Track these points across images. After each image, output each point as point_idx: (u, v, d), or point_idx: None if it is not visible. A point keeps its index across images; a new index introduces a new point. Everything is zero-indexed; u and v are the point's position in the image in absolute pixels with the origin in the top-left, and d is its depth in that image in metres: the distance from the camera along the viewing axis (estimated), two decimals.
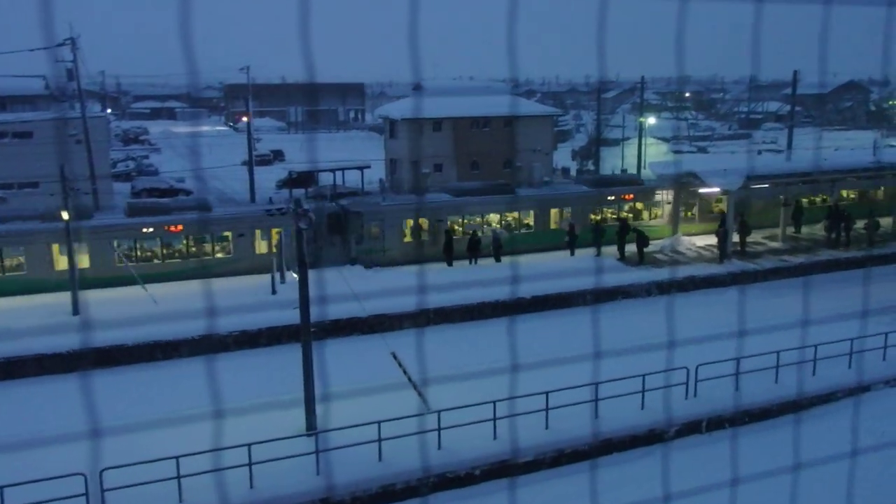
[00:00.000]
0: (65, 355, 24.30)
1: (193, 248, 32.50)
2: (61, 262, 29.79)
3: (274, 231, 32.74)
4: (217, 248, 33.12)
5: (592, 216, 37.69)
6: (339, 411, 18.10)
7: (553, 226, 37.71)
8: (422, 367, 20.03)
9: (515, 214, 37.64)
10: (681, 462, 18.63)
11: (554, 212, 37.98)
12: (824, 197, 42.31)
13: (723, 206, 38.42)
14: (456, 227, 35.92)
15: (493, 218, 37.14)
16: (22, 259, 30.32)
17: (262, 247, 33.33)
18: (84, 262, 30.13)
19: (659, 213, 39.27)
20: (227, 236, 33.10)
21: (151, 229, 31.79)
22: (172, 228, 31.94)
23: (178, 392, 22.01)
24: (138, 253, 31.78)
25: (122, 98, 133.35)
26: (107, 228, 31.16)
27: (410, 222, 36.00)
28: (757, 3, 3.74)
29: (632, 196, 38.25)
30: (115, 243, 31.09)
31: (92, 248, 30.61)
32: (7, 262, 30.16)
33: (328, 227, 33.38)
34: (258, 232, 33.25)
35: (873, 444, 18.56)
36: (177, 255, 32.34)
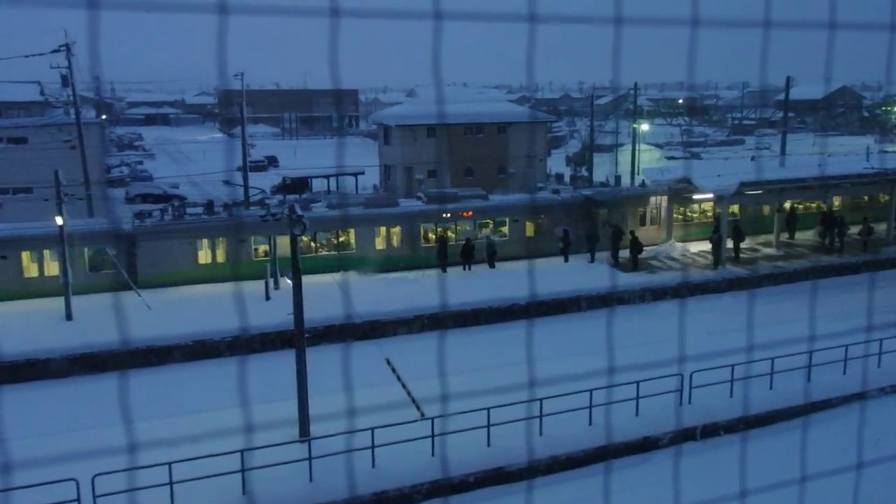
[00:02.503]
0: (58, 360, 24.31)
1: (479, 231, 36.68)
2: (379, 243, 34.79)
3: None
4: (494, 231, 36.81)
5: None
6: (334, 417, 18.05)
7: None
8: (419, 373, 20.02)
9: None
10: (675, 469, 18.60)
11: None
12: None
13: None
14: (678, 217, 39.36)
15: (702, 208, 40.35)
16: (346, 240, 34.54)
17: (530, 229, 37.31)
18: (394, 241, 35.07)
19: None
20: (503, 221, 36.78)
21: (449, 214, 35.21)
22: (465, 214, 34.92)
23: (174, 396, 22.00)
24: (433, 235, 35.73)
25: (116, 104, 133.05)
26: (415, 214, 35.38)
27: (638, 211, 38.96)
28: (764, 29, 3.78)
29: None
30: (421, 227, 35.46)
31: (402, 230, 35.07)
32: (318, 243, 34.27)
33: (578, 217, 37.41)
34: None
35: (869, 451, 18.56)
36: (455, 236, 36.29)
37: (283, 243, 31.62)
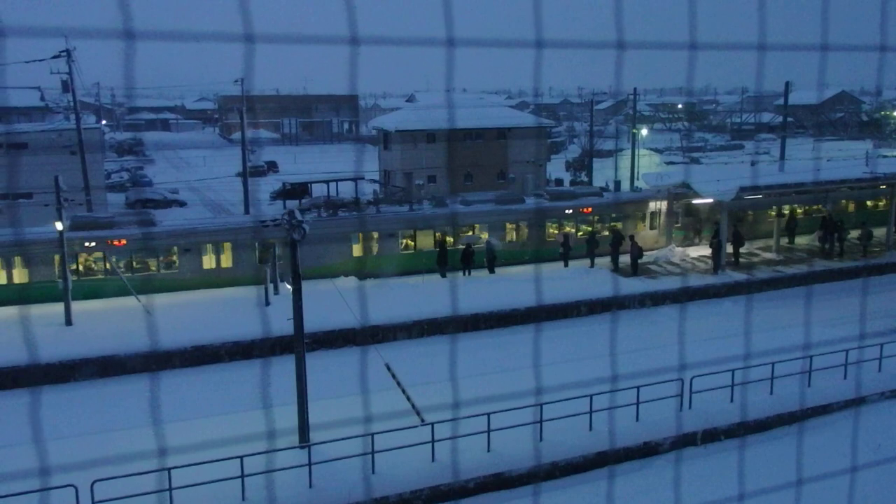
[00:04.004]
0: (56, 365, 24.28)
1: (590, 228, 38.49)
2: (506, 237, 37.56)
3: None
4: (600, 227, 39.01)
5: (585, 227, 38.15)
6: (333, 422, 18.02)
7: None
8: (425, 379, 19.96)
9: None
10: (676, 475, 18.57)
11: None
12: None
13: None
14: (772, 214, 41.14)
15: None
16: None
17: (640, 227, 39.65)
18: (520, 236, 37.78)
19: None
20: (619, 218, 39.22)
21: (570, 211, 37.84)
22: (585, 210, 38.36)
23: (172, 402, 21.96)
24: (555, 231, 38.07)
25: (116, 109, 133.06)
26: (543, 210, 37.90)
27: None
28: (759, 51, 3.85)
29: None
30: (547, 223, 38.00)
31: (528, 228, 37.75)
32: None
33: (685, 214, 40.07)
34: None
35: (870, 456, 18.54)
36: (579, 233, 38.44)
37: (423, 240, 35.57)
